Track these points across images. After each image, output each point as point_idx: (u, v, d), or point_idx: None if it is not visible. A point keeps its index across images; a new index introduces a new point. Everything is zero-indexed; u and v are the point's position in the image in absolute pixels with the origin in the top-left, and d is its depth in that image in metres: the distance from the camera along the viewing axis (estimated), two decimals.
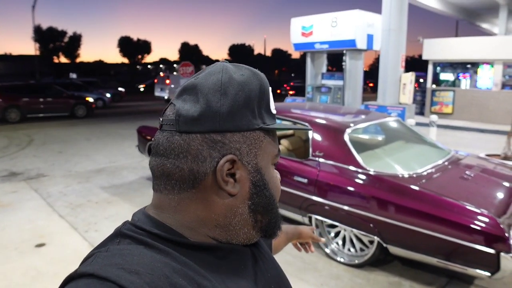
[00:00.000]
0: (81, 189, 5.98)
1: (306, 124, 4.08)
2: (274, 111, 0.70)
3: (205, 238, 0.64)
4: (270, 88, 0.70)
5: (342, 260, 3.72)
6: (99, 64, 62.31)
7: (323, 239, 1.42)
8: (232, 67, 0.66)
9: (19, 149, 9.14)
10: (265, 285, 0.70)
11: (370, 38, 9.38)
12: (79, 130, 12.08)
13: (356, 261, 3.62)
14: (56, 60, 50.95)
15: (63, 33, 50.22)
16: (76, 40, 51.40)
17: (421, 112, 13.97)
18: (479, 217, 2.88)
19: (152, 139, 0.63)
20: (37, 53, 35.32)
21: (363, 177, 3.48)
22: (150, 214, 0.65)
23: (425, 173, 3.53)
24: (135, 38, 57.94)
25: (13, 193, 5.76)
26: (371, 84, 37.14)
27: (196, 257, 0.61)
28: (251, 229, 0.67)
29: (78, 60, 53.60)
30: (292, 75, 66.89)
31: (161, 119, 0.66)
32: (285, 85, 31.64)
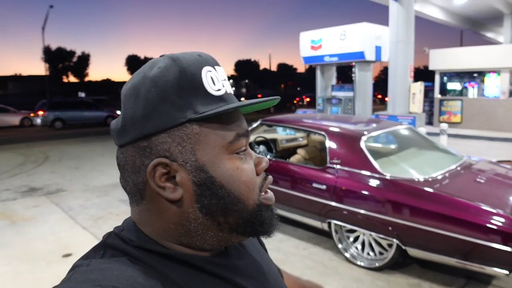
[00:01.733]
0: (101, 202, 6.12)
1: (323, 132, 4.20)
2: (218, 92, 0.60)
3: (179, 248, 0.61)
4: (207, 68, 0.60)
5: (362, 264, 3.80)
6: (107, 82, 63.08)
7: None
8: (151, 63, 0.61)
9: (36, 165, 9.34)
10: None
11: (378, 49, 9.56)
12: (92, 147, 12.30)
13: (376, 264, 3.71)
14: (65, 80, 51.79)
15: (72, 53, 51.20)
16: (84, 59, 52.32)
17: (429, 122, 14.04)
18: (495, 217, 2.97)
19: None
20: (47, 73, 35.96)
21: (380, 182, 3.59)
22: (135, 222, 0.63)
23: (440, 177, 3.64)
24: (142, 56, 58.83)
25: (35, 207, 5.91)
26: (379, 96, 37.25)
27: (179, 271, 0.58)
28: (217, 232, 0.61)
29: (86, 79, 54.42)
30: (298, 89, 67.28)
31: None
32: (297, 98, 32.14)
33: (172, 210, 0.59)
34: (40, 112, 19.71)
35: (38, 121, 19.73)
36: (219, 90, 0.60)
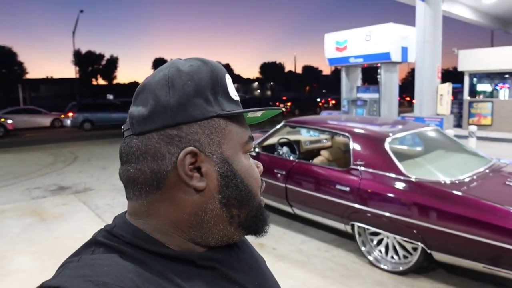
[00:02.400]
0: (126, 201, 6.22)
1: (346, 133, 4.17)
2: (235, 98, 0.66)
3: (181, 242, 0.61)
4: (227, 75, 0.67)
5: (385, 267, 3.74)
6: (134, 85, 64.02)
7: None
8: (181, 61, 0.65)
9: (65, 165, 9.59)
10: None
11: (404, 50, 9.40)
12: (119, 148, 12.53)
13: (400, 268, 3.64)
14: (94, 82, 53.05)
15: (101, 56, 52.45)
16: (112, 62, 53.49)
17: (458, 124, 13.71)
18: None
19: None
20: (77, 76, 36.90)
21: (405, 184, 3.53)
22: (128, 219, 0.63)
23: (467, 179, 3.55)
24: (168, 59, 59.50)
25: (64, 205, 6.07)
26: (407, 98, 36.58)
27: (172, 267, 0.58)
28: (227, 225, 0.63)
29: (114, 81, 55.61)
30: (324, 91, 66.83)
31: (122, 127, 0.65)
32: (323, 101, 32.07)
33: (192, 200, 0.60)
34: (70, 114, 20.23)
35: (68, 122, 20.24)
36: (236, 95, 0.67)
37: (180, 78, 0.61)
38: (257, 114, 0.68)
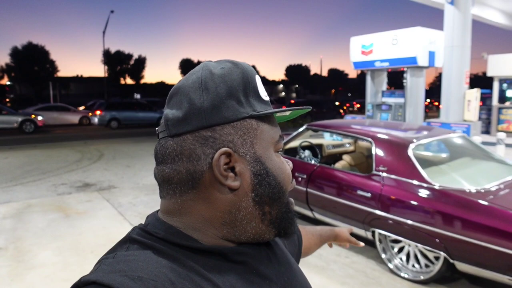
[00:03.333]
0: (149, 200, 6.33)
1: (369, 139, 4.12)
2: (265, 98, 0.69)
3: (214, 238, 0.63)
4: (257, 76, 0.69)
5: (406, 276, 3.68)
6: (161, 85, 65.06)
7: (361, 243, 1.31)
8: (212, 63, 0.67)
9: (91, 162, 9.80)
10: None
11: (431, 55, 9.21)
12: (144, 147, 12.72)
13: (422, 277, 3.57)
14: (122, 81, 53.94)
15: (129, 56, 53.24)
16: (141, 62, 54.25)
17: (487, 131, 13.35)
18: None
19: None
20: (106, 75, 37.67)
21: (428, 191, 3.46)
22: (160, 217, 0.65)
23: (493, 188, 3.45)
24: (195, 60, 60.26)
25: (88, 202, 6.20)
26: (436, 103, 35.69)
27: (204, 262, 0.60)
28: (260, 222, 0.64)
29: (142, 81, 56.37)
30: (349, 94, 66.22)
31: (156, 129, 0.67)
32: (347, 104, 31.72)
33: (226, 198, 0.62)
34: (98, 112, 20.66)
35: (96, 120, 20.68)
36: (266, 96, 0.69)
37: (213, 81, 0.63)
38: (286, 112, 0.69)
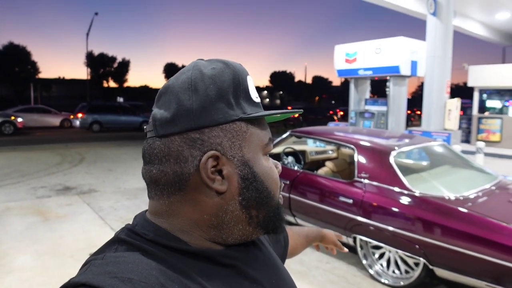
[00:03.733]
0: (130, 204, 6.26)
1: (352, 145, 4.16)
2: (256, 100, 0.67)
3: (201, 241, 0.62)
4: (249, 77, 0.67)
5: (386, 281, 3.71)
6: (145, 89, 64.46)
7: (346, 249, 1.33)
8: (203, 62, 0.65)
9: (72, 165, 9.66)
10: None
11: (414, 64, 9.36)
12: (126, 151, 12.60)
13: (402, 283, 3.61)
14: (105, 84, 53.35)
15: (113, 59, 52.66)
16: (124, 65, 53.71)
17: (467, 140, 13.61)
18: None
19: None
20: (88, 77, 37.23)
21: (409, 198, 3.51)
22: (148, 218, 0.64)
23: (472, 196, 3.52)
24: (180, 64, 59.99)
25: (68, 205, 6.11)
26: (418, 112, 36.04)
27: (193, 264, 0.59)
28: (246, 225, 0.64)
29: (125, 84, 55.83)
30: (333, 102, 66.76)
31: (145, 128, 0.66)
32: (331, 112, 31.89)
33: (213, 201, 0.61)
34: (80, 115, 20.40)
35: (77, 123, 20.41)
36: (257, 97, 0.67)
37: (203, 82, 0.61)
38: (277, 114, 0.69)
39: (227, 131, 0.61)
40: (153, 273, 0.54)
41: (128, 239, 0.60)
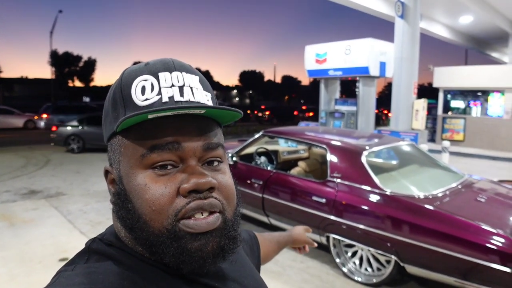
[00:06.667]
0: (100, 207, 6.12)
1: (324, 146, 4.20)
2: (140, 103, 0.55)
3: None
4: (142, 77, 0.56)
5: (359, 279, 3.78)
6: None
7: (315, 244, 1.37)
8: (128, 70, 0.61)
9: (37, 168, 9.35)
10: None
11: (382, 65, 9.60)
12: (94, 152, 12.31)
13: (374, 280, 3.68)
14: (70, 84, 51.96)
15: (79, 58, 51.34)
16: (90, 65, 52.47)
17: (432, 139, 14.03)
18: (495, 237, 2.95)
19: None
20: (53, 77, 36.16)
21: (380, 197, 3.58)
22: (115, 227, 0.62)
23: (440, 194, 3.62)
24: None
25: (34, 210, 5.91)
26: (385, 111, 36.51)
27: (160, 275, 0.57)
28: (145, 248, 0.57)
29: (91, 84, 54.56)
30: (302, 101, 67.40)
31: None
32: (296, 112, 31.93)
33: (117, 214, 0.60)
34: (44, 115, 19.78)
35: (42, 124, 19.78)
36: (146, 99, 0.55)
37: (109, 93, 0.61)
38: (201, 111, 0.55)
39: (111, 145, 0.60)
40: (124, 283, 0.52)
41: (99, 249, 0.59)
